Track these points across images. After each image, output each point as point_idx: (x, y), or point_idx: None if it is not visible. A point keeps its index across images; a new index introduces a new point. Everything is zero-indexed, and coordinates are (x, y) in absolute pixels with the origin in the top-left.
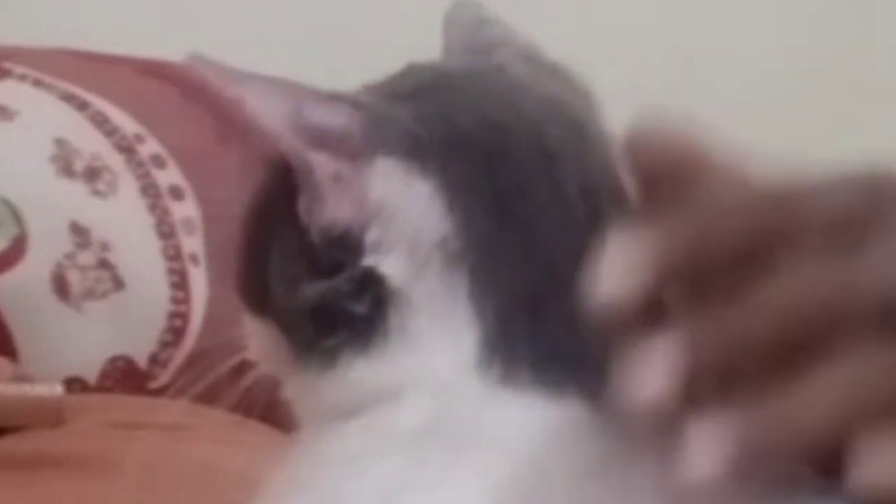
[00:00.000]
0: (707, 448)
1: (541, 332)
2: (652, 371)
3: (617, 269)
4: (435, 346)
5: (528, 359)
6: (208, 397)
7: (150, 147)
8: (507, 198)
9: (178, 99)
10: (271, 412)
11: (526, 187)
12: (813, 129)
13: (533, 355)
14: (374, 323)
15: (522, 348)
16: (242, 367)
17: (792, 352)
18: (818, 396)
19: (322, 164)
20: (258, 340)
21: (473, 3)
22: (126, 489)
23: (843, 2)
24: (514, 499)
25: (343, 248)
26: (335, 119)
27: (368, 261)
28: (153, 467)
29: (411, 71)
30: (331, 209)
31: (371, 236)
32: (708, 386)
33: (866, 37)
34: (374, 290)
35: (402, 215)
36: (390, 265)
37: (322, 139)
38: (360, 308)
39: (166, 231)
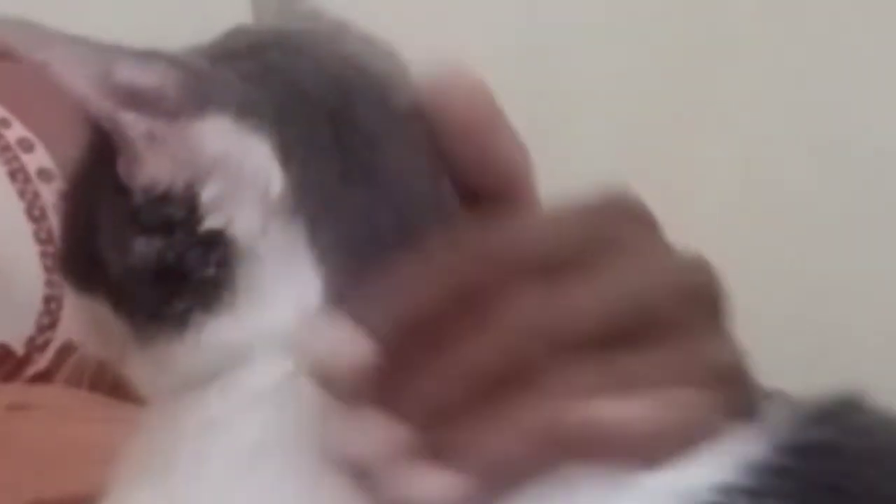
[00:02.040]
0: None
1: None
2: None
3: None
4: (282, 302)
5: None
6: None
7: (16, 131)
8: (349, 151)
9: (42, 80)
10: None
11: (370, 141)
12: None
13: None
14: (221, 282)
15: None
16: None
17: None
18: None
19: (133, 123)
20: (87, 322)
21: None
22: (10, 469)
23: None
24: None
25: (170, 207)
26: (148, 78)
27: (212, 221)
28: (36, 448)
29: (240, 31)
30: (149, 168)
31: (208, 193)
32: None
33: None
34: (220, 251)
35: (240, 172)
36: (235, 224)
37: (133, 98)
38: (208, 272)
39: (37, 214)
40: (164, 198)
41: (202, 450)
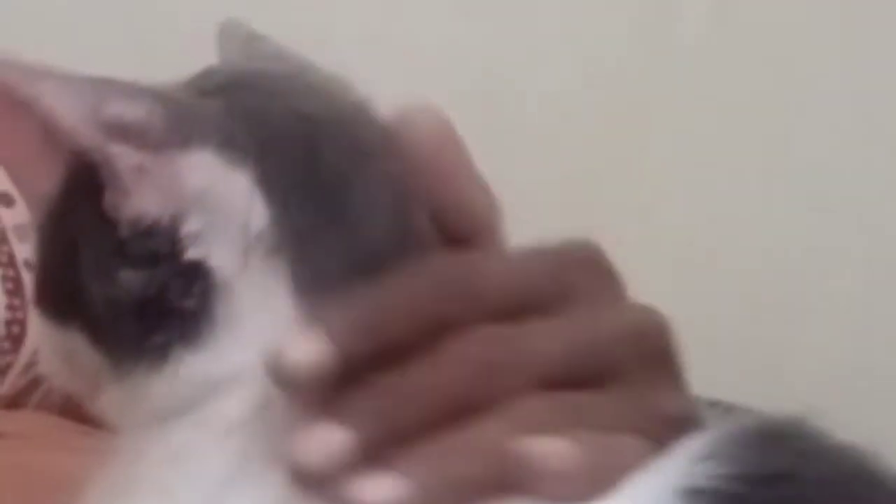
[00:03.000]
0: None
1: None
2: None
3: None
4: (261, 337)
5: None
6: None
7: None
8: (324, 189)
9: (3, 105)
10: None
11: (343, 179)
12: None
13: None
14: (201, 315)
15: None
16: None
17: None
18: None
19: (123, 156)
20: (58, 354)
21: (242, 22)
22: None
23: None
24: None
25: (156, 239)
26: (136, 112)
27: (193, 253)
28: (8, 477)
29: (213, 71)
30: (137, 201)
31: (189, 227)
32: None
33: None
34: (201, 283)
35: (222, 206)
36: (215, 257)
37: (122, 132)
38: (189, 303)
39: None
40: (151, 231)
41: (170, 480)
